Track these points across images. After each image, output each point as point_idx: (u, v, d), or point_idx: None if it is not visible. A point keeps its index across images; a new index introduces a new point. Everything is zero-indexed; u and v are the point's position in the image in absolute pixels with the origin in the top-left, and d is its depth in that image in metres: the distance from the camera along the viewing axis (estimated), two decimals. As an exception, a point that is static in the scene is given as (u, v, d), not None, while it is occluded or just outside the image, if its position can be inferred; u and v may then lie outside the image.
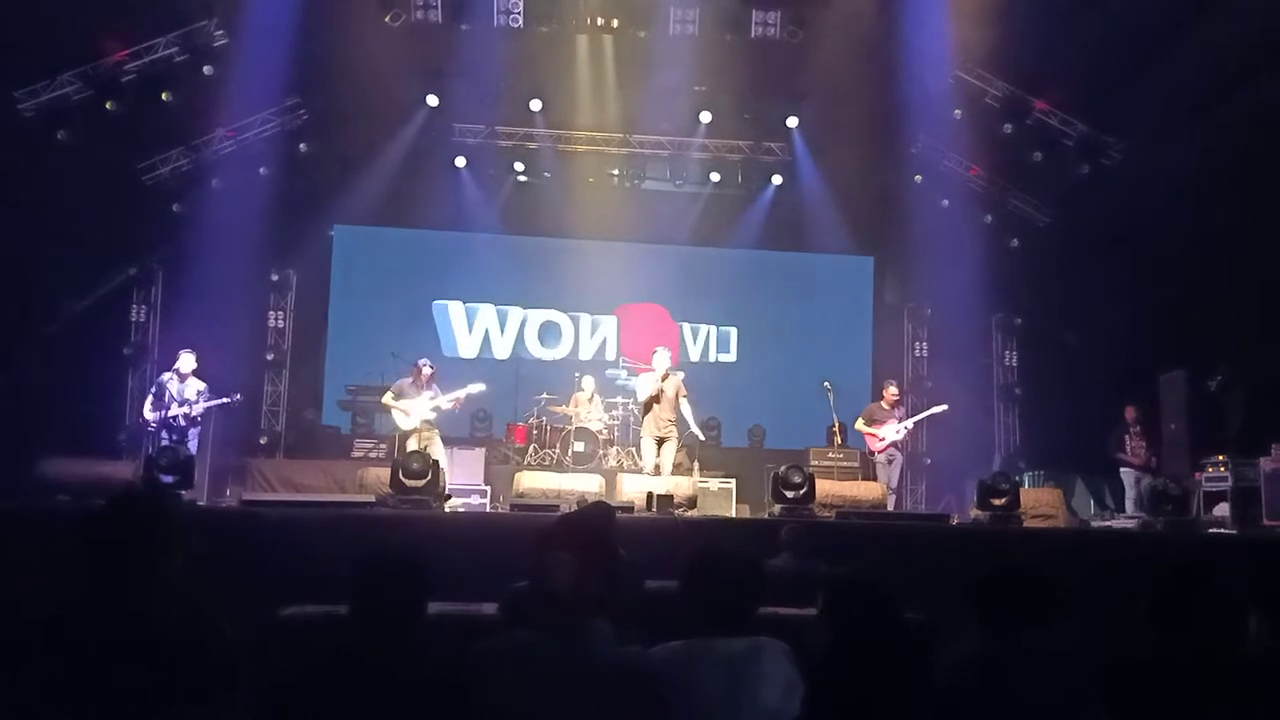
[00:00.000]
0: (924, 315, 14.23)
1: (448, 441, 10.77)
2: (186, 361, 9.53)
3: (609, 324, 14.23)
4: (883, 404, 10.55)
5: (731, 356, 14.39)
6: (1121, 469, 10.55)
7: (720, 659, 2.63)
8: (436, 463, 8.33)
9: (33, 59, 9.78)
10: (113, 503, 2.56)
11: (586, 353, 14.06)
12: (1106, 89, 10.57)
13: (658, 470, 9.52)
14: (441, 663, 2.54)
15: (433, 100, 12.38)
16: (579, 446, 11.23)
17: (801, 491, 8.28)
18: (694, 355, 14.24)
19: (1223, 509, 9.06)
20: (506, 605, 3.62)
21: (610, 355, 13.99)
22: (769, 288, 14.43)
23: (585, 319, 14.21)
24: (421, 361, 10.06)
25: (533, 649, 2.50)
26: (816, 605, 2.95)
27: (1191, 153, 9.65)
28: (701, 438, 10.25)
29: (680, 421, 9.77)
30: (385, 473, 8.52)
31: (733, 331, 14.44)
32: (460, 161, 13.41)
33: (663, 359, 9.64)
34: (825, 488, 9.01)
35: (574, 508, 7.30)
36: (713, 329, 14.43)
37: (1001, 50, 10.69)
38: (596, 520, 2.80)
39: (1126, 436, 10.49)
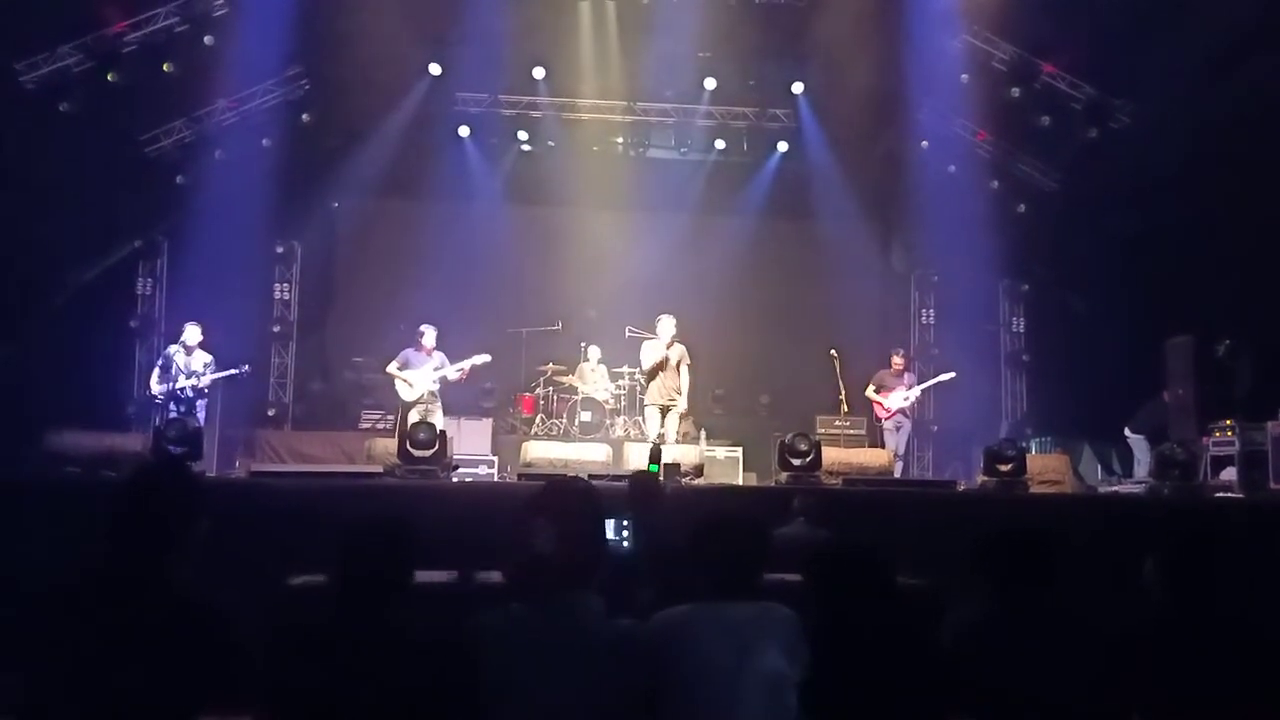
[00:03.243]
0: (931, 282, 14.18)
1: (456, 412, 10.81)
2: (192, 334, 9.55)
3: (613, 293, 14.16)
4: (891, 370, 10.55)
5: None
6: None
7: (726, 623, 2.66)
8: (443, 433, 8.37)
9: (32, 30, 9.71)
10: (134, 474, 2.57)
11: (592, 321, 13.99)
12: (1115, 52, 10.44)
13: (662, 439, 9.53)
14: (436, 631, 2.57)
15: (435, 69, 12.29)
16: (586, 416, 11.28)
17: (808, 459, 8.30)
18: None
19: (1230, 473, 9.05)
20: (507, 575, 3.67)
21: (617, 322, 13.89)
22: (774, 255, 14.35)
23: (590, 288, 14.14)
24: (423, 326, 10.01)
25: (521, 621, 2.52)
26: (803, 572, 2.97)
27: (1200, 116, 9.54)
28: (682, 409, 9.79)
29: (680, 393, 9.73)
30: (393, 443, 8.57)
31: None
32: (464, 131, 13.34)
33: (667, 326, 9.60)
34: (832, 455, 9.03)
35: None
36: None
37: (1009, 13, 10.57)
38: (579, 489, 2.80)
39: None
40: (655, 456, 7.79)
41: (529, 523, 2.56)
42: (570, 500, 2.66)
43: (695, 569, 2.78)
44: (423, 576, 4.08)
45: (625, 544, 4.74)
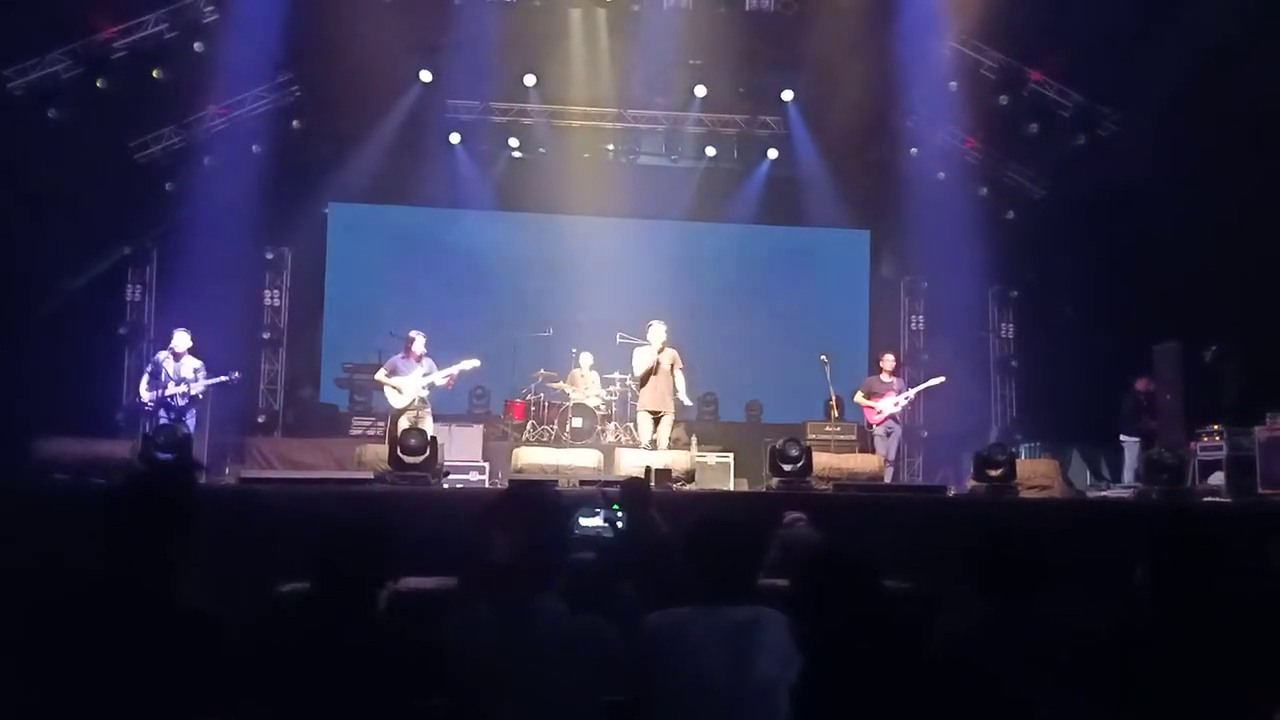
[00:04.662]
0: (920, 288, 14.23)
1: (447, 419, 10.79)
2: (181, 340, 9.51)
3: (604, 299, 14.16)
4: (881, 376, 10.57)
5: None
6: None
7: (721, 627, 2.66)
8: (434, 439, 8.35)
9: (21, 37, 9.69)
10: (134, 481, 2.56)
11: (583, 327, 13.99)
12: (1103, 59, 10.51)
13: (654, 445, 9.53)
14: (418, 635, 2.59)
15: (426, 76, 12.28)
16: (577, 422, 11.27)
17: (798, 464, 8.33)
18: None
19: (1218, 478, 9.10)
20: (464, 581, 3.68)
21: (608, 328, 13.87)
22: (765, 262, 14.39)
23: (579, 292, 14.14)
24: (412, 332, 9.93)
25: (484, 625, 2.55)
26: (790, 576, 2.98)
27: (1188, 123, 9.61)
28: (688, 402, 9.91)
29: (675, 394, 9.72)
30: (383, 449, 8.55)
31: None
32: (455, 138, 13.35)
33: (658, 332, 9.60)
34: (822, 460, 9.06)
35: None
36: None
37: (997, 20, 10.63)
38: (539, 495, 2.82)
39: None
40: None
41: (487, 532, 2.58)
42: (530, 506, 2.67)
43: (691, 572, 2.79)
44: (412, 582, 4.10)
45: (610, 534, 4.75)
